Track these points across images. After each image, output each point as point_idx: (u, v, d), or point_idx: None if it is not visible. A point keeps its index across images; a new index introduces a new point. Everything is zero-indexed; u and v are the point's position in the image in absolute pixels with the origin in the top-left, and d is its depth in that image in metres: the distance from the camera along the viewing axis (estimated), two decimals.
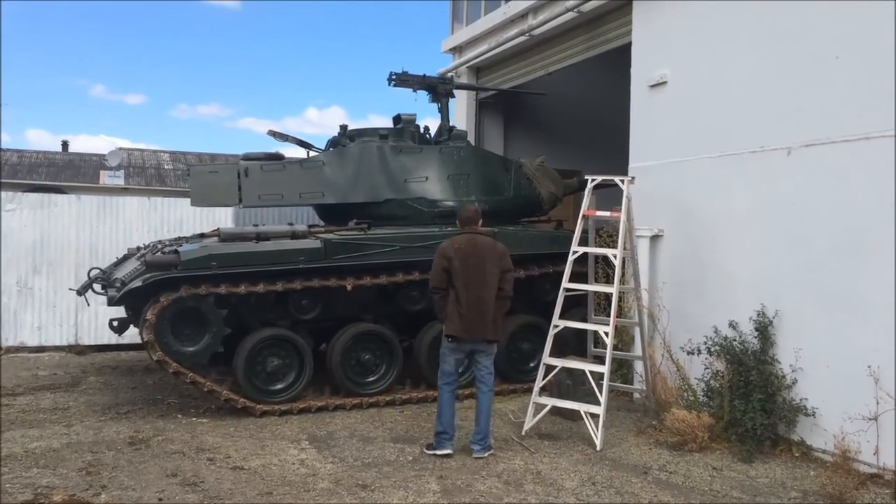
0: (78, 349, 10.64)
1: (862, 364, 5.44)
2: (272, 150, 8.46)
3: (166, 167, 29.58)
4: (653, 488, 5.20)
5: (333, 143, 8.60)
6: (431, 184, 8.31)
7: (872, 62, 5.54)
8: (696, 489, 5.20)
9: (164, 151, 31.08)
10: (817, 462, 5.73)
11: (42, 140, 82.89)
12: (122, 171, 26.99)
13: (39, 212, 10.65)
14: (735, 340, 6.38)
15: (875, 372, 5.35)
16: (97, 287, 7.82)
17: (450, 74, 12.95)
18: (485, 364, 6.03)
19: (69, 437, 6.35)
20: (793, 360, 6.00)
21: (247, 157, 8.23)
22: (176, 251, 6.94)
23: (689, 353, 6.71)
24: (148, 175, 28.40)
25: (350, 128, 8.60)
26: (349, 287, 7.31)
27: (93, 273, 8.11)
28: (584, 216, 7.05)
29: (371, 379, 7.56)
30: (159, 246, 7.59)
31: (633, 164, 7.95)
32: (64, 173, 27.12)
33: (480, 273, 5.86)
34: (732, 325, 6.49)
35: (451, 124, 9.13)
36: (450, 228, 7.84)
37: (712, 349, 6.48)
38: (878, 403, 5.33)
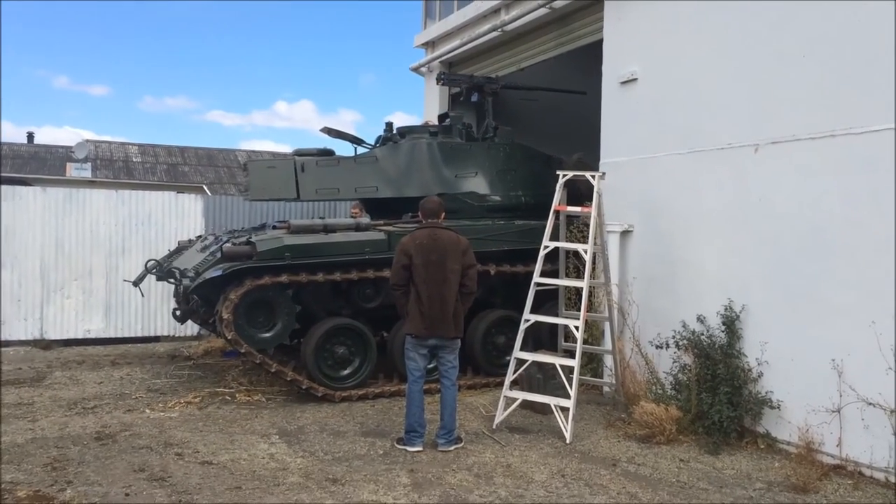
0: (43, 344, 10.46)
1: (826, 358, 5.55)
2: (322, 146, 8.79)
3: (134, 160, 29.20)
4: (621, 480, 5.26)
5: (384, 140, 8.91)
6: (480, 179, 8.72)
7: (839, 61, 5.64)
8: (664, 481, 5.27)
9: (132, 144, 30.66)
10: (782, 454, 5.83)
11: (6, 131, 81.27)
12: (90, 163, 26.59)
13: (4, 204, 10.44)
14: (703, 334, 6.47)
15: (839, 365, 5.46)
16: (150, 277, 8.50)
17: (423, 69, 12.97)
18: (448, 359, 6.03)
19: (34, 432, 6.25)
20: (759, 354, 6.10)
21: (300, 153, 8.56)
22: (251, 242, 7.09)
23: (657, 346, 6.79)
24: (116, 168, 28.01)
25: (397, 125, 9.03)
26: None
27: (149, 264, 8.66)
28: (555, 211, 7.09)
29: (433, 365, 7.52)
30: (225, 238, 7.84)
31: (605, 159, 8.00)
32: (29, 165, 26.63)
33: (441, 270, 5.83)
34: (700, 320, 6.57)
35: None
36: (501, 222, 8.14)
37: (680, 343, 6.55)
38: (841, 396, 5.44)
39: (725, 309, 6.37)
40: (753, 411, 6.06)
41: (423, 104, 13.17)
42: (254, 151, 32.37)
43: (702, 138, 6.83)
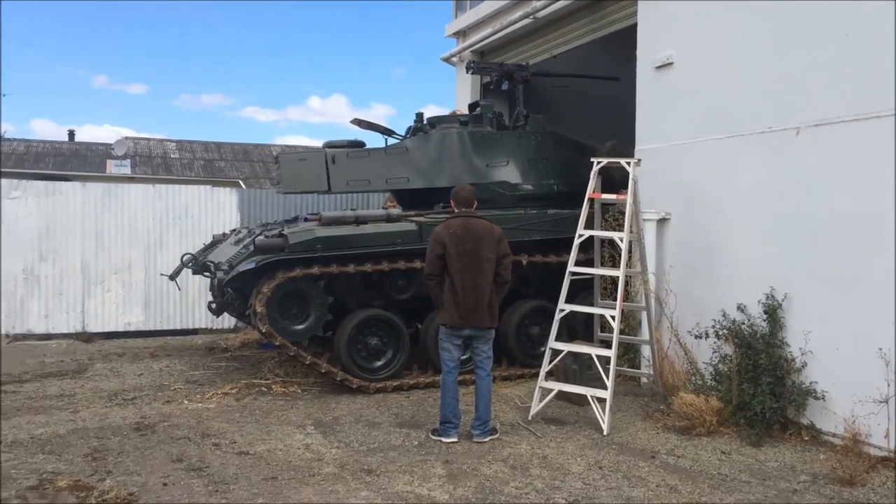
0: (85, 336, 10.66)
1: (873, 347, 5.37)
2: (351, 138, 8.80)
3: (172, 156, 29.56)
4: (660, 472, 5.16)
5: (414, 130, 8.86)
6: (512, 168, 8.63)
7: (884, 39, 5.43)
8: (705, 473, 5.16)
9: (170, 140, 31.04)
10: (827, 445, 5.68)
11: (47, 130, 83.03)
12: (129, 160, 26.99)
13: (45, 199, 10.65)
14: (744, 324, 6.32)
15: (886, 354, 5.28)
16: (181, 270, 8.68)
17: (454, 59, 12.89)
18: (482, 349, 5.98)
19: (75, 423, 6.35)
20: (802, 344, 5.93)
21: (330, 145, 8.58)
22: (283, 234, 7.13)
23: (696, 336, 6.65)
24: (154, 164, 28.40)
25: (427, 115, 8.97)
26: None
27: (185, 258, 8.79)
28: (589, 199, 6.98)
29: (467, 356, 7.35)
30: (258, 231, 7.86)
31: (640, 146, 7.86)
32: (71, 163, 27.13)
33: (476, 259, 5.77)
34: (741, 309, 6.42)
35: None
36: (533, 211, 8.06)
37: (720, 333, 6.41)
38: (889, 386, 5.26)
39: (767, 297, 6.20)
40: (797, 402, 5.90)
41: (454, 95, 13.09)
42: (288, 146, 32.56)
43: (740, 123, 6.66)
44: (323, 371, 7.31)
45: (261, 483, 4.92)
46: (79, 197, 10.82)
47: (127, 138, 28.60)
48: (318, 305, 7.30)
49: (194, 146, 30.82)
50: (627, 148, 8.09)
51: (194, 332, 11.29)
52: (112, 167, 26.51)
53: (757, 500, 4.66)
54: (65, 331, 10.70)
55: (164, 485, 4.88)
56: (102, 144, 29.29)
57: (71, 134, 32.00)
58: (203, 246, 9.68)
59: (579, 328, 7.79)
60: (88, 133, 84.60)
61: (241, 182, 26.52)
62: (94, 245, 10.83)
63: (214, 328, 11.28)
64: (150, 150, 29.72)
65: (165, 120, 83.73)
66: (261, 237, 7.22)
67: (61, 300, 10.70)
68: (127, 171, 26.43)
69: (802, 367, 5.95)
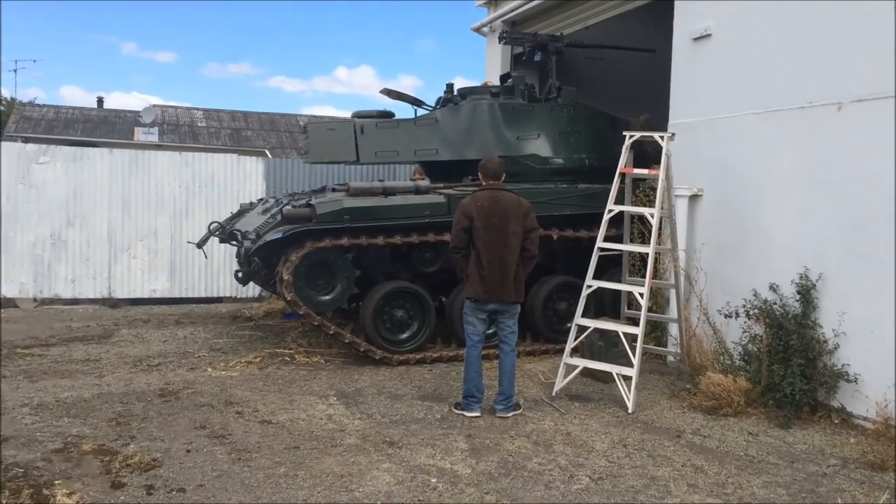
0: (111, 302, 10.76)
1: None
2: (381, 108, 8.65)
3: (199, 125, 29.63)
4: (686, 452, 5.07)
5: (444, 101, 8.71)
6: (542, 141, 8.47)
7: None
8: (731, 454, 5.06)
9: (198, 109, 31.11)
10: (857, 429, 5.55)
11: (77, 97, 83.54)
12: (157, 127, 27.11)
13: (72, 165, 10.69)
14: (775, 304, 6.17)
15: None
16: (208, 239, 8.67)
17: (485, 29, 12.67)
18: (507, 324, 5.90)
19: (100, 387, 6.40)
20: (836, 325, 5.78)
21: (358, 115, 8.46)
22: (310, 205, 7.08)
23: (726, 316, 6.52)
24: (181, 132, 28.49)
25: (458, 86, 8.75)
26: None
27: (212, 226, 8.75)
28: (620, 173, 6.83)
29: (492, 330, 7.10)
30: (286, 200, 7.83)
31: (673, 120, 7.67)
32: (99, 129, 27.30)
33: (503, 233, 5.68)
34: (773, 288, 6.27)
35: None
36: (564, 185, 7.98)
37: (751, 312, 6.27)
38: None
39: (801, 277, 6.05)
40: (828, 384, 5.77)
41: (483, 67, 12.88)
42: (315, 116, 32.54)
43: (779, 97, 6.46)
44: (346, 342, 7.28)
45: (283, 452, 4.92)
46: (106, 163, 10.85)
47: (155, 106, 28.74)
48: (345, 278, 7.26)
49: (221, 115, 30.86)
50: (661, 122, 7.90)
51: (219, 300, 11.34)
52: (140, 134, 26.66)
53: (785, 483, 4.56)
54: (91, 296, 10.80)
55: (188, 451, 4.90)
56: (130, 112, 29.43)
57: (100, 101, 32.24)
58: (230, 215, 9.66)
59: (607, 304, 7.68)
60: (116, 101, 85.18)
61: (267, 152, 26.55)
62: (120, 211, 10.88)
63: (239, 297, 11.33)
64: (178, 118, 29.81)
65: (193, 88, 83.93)
66: (288, 207, 7.18)
67: (88, 266, 10.79)
68: (154, 138, 26.56)
69: (835, 348, 5.81)
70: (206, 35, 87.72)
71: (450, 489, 4.38)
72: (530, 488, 4.42)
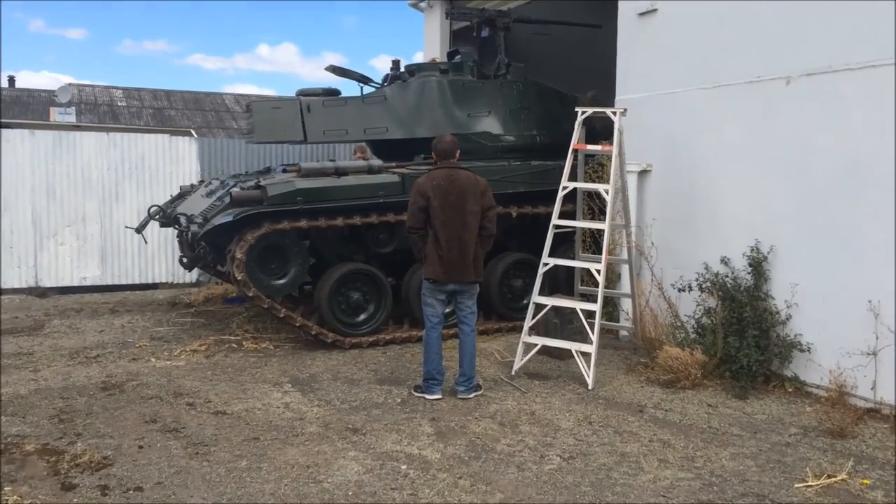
0: (38, 291, 10.19)
1: (860, 299, 5.35)
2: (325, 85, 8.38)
3: (119, 104, 28.36)
4: (651, 427, 5.09)
5: (392, 78, 8.50)
6: (493, 118, 8.35)
7: None
8: (695, 427, 5.11)
9: (117, 88, 29.76)
10: (811, 397, 5.68)
11: None
12: (74, 107, 25.80)
13: None
14: (727, 277, 6.26)
15: (875, 307, 5.26)
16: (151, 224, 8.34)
17: (422, 4, 12.44)
18: (467, 304, 5.80)
19: (37, 382, 6.03)
20: (788, 296, 5.90)
21: (304, 93, 8.12)
22: (261, 186, 6.78)
23: (679, 290, 6.58)
24: (101, 112, 27.21)
25: (405, 64, 8.62)
26: None
27: (152, 210, 8.32)
28: (573, 150, 6.79)
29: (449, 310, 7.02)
30: (231, 182, 7.51)
31: (621, 96, 7.65)
32: (12, 110, 25.81)
33: (460, 212, 5.55)
34: (724, 262, 6.35)
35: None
36: (517, 163, 7.85)
37: (704, 286, 6.34)
38: (877, 338, 5.26)
39: (752, 250, 6.14)
40: (782, 355, 5.89)
41: (415, 43, 12.69)
42: (240, 95, 31.49)
43: (728, 72, 6.50)
44: (297, 325, 7.06)
45: (242, 444, 4.71)
46: (27, 145, 10.22)
47: (71, 85, 27.35)
48: (299, 264, 7.04)
49: (143, 94, 29.62)
50: (608, 98, 7.89)
51: (154, 286, 10.88)
52: (56, 115, 25.28)
53: (752, 454, 4.62)
54: (17, 286, 10.20)
55: (140, 447, 4.64)
56: (45, 91, 27.96)
57: (11, 80, 30.48)
58: (170, 198, 9.23)
59: (561, 281, 7.67)
60: (26, 80, 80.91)
61: (192, 131, 25.66)
62: (45, 196, 10.28)
63: (176, 282, 10.90)
64: (96, 97, 28.46)
65: (107, 67, 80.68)
66: (236, 189, 6.88)
67: (12, 253, 10.17)
68: (72, 118, 25.24)
69: (787, 319, 5.93)
70: (118, 11, 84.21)
71: (422, 475, 4.27)
72: (503, 471, 4.35)
